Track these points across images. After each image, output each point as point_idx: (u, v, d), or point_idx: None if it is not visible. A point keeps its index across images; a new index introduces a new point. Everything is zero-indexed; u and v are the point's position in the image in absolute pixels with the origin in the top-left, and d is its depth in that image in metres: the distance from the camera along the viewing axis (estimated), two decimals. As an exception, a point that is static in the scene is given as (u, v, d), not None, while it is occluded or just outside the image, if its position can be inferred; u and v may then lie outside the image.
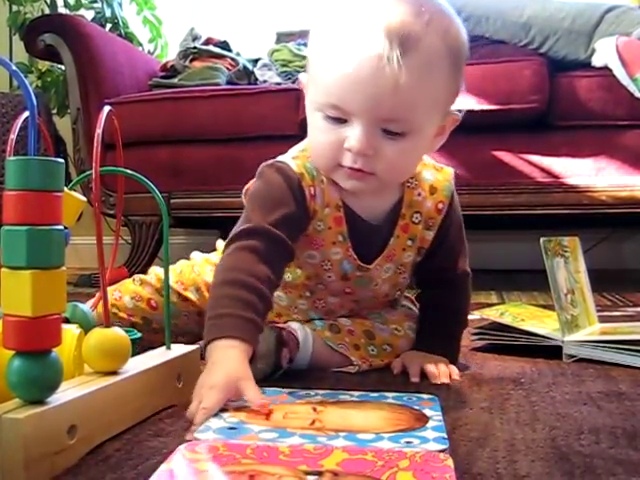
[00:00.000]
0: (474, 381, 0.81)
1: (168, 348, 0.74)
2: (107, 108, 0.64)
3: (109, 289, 0.96)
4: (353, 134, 0.72)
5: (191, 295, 0.95)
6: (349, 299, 0.88)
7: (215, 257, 0.97)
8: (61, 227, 0.53)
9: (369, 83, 0.69)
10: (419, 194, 0.84)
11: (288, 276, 0.85)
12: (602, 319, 1.07)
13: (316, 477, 0.47)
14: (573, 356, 0.92)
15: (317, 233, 0.81)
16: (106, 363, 0.62)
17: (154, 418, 0.65)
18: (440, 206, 0.85)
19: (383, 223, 0.84)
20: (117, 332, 0.62)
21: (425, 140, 0.76)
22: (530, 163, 1.78)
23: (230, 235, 0.78)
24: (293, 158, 0.81)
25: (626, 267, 2.42)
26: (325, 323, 0.86)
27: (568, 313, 0.96)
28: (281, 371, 0.79)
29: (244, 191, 0.88)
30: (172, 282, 0.94)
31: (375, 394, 0.70)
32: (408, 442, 0.55)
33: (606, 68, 1.72)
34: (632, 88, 1.67)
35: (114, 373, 0.62)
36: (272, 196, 0.79)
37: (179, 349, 0.74)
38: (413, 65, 0.69)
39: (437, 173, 0.86)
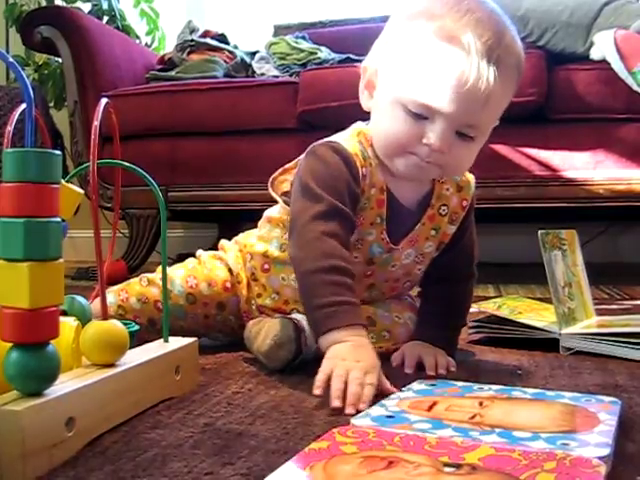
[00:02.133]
0: (472, 373, 0.81)
1: (166, 341, 0.74)
2: (104, 101, 0.64)
3: (116, 289, 0.96)
4: (435, 133, 0.76)
5: (203, 290, 0.95)
6: (365, 285, 0.89)
7: (220, 253, 0.99)
8: (58, 219, 0.53)
9: (465, 95, 0.74)
10: (447, 189, 0.89)
11: None
12: (599, 312, 1.08)
13: (454, 469, 0.46)
14: (570, 349, 0.92)
15: (361, 211, 0.84)
16: (104, 355, 0.62)
17: (152, 410, 0.66)
18: (464, 203, 0.90)
19: (415, 209, 0.87)
20: (115, 324, 0.63)
21: (484, 141, 0.82)
22: (528, 156, 1.78)
23: (309, 214, 0.78)
24: (344, 140, 0.84)
25: (623, 260, 2.42)
26: None
27: (565, 306, 0.97)
28: (301, 356, 0.81)
29: (270, 181, 0.91)
30: (183, 277, 0.95)
31: (552, 393, 0.68)
32: (564, 444, 0.52)
33: (604, 61, 1.71)
34: (630, 81, 1.67)
35: (112, 365, 0.62)
36: (333, 174, 0.81)
37: (177, 342, 0.74)
38: (501, 82, 0.75)
39: (462, 175, 0.90)
